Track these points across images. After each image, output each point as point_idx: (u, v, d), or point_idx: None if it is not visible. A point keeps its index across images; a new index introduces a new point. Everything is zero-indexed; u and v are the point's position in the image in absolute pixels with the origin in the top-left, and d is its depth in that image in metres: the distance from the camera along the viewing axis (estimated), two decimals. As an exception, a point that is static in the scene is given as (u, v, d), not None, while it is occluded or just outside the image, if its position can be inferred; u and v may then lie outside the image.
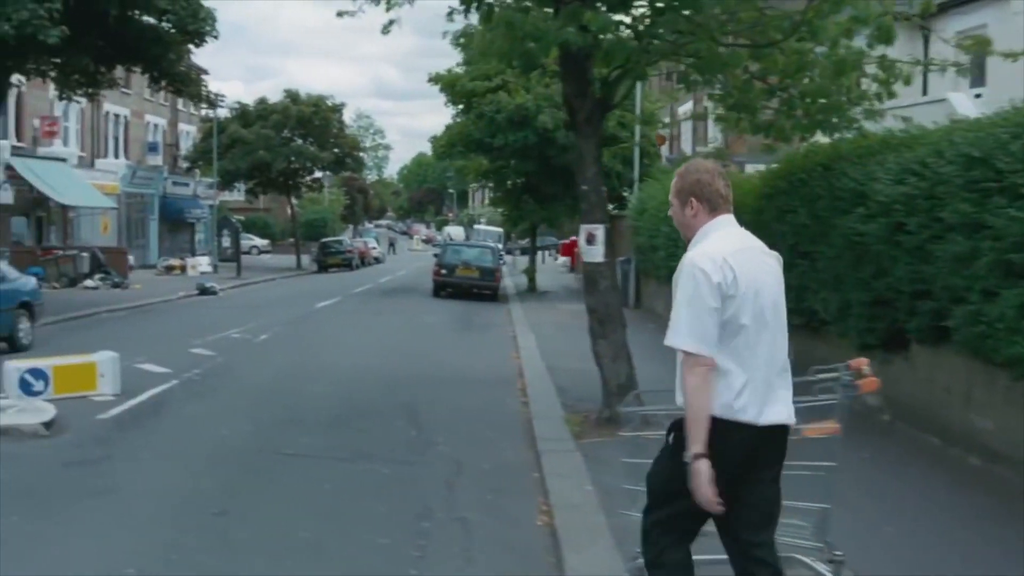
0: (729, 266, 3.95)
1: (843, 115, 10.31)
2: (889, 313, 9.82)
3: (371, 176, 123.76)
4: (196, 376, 13.84)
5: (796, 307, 12.24)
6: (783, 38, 9.45)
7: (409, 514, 7.35)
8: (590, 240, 10.59)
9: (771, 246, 4.46)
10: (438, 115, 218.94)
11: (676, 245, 20.79)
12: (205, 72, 27.05)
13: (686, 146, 42.29)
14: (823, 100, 10.34)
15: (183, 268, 43.83)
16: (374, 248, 63.46)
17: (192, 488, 7.94)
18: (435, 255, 38.08)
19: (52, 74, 25.30)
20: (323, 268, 52.32)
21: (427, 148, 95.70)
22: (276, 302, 29.24)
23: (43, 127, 39.36)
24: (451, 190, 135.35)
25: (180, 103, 56.32)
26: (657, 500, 4.25)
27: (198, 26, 23.07)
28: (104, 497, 7.56)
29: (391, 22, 11.90)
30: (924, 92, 20.02)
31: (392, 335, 20.89)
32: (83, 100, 30.33)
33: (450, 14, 11.03)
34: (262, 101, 51.02)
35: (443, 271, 31.92)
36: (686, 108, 38.51)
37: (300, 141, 49.70)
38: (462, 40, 32.25)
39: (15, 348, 16.89)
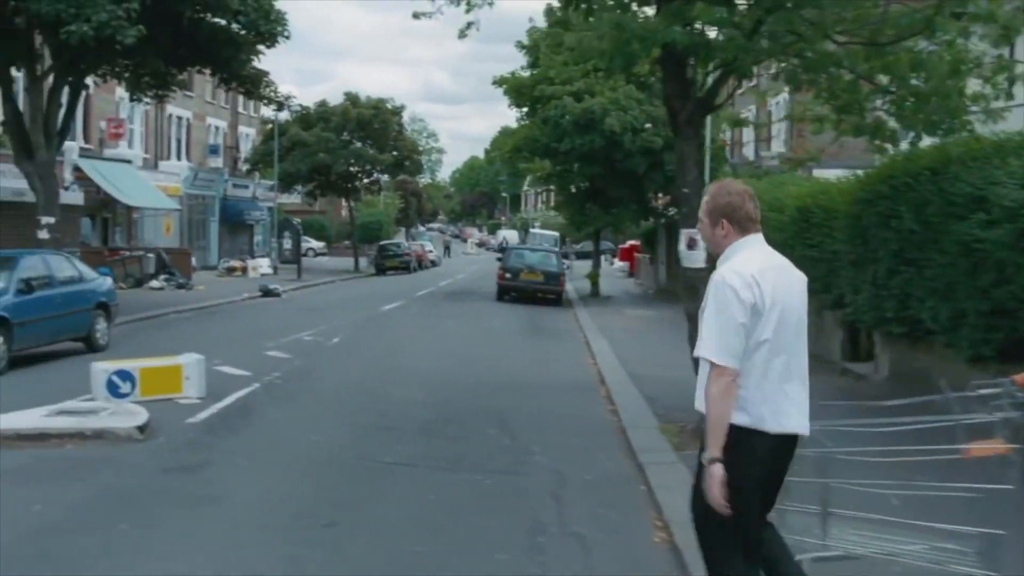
0: (756, 283, 4.14)
1: (958, 116, 9.88)
2: (1009, 323, 9.37)
3: (423, 179, 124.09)
4: (277, 379, 13.69)
5: (898, 315, 11.84)
6: (901, 37, 9.07)
7: (522, 528, 7.08)
8: (691, 245, 10.26)
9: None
10: (487, 119, 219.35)
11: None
12: (265, 74, 26.83)
13: (748, 151, 41.66)
14: (935, 100, 9.93)
15: (244, 270, 44.03)
16: (430, 251, 63.41)
17: (296, 497, 7.73)
18: (498, 259, 37.83)
19: (125, 75, 25.40)
20: (381, 271, 52.36)
21: (478, 151, 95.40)
22: (340, 305, 29.17)
23: (109, 129, 39.74)
24: (504, 194, 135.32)
25: (240, 106, 56.75)
26: (712, 519, 4.28)
27: (270, 27, 23.02)
28: (210, 506, 7.36)
29: (469, 24, 11.72)
30: (1009, 96, 19.40)
31: (464, 339, 20.68)
32: (152, 102, 30.49)
33: (549, 11, 10.77)
34: (322, 104, 51.16)
35: (507, 275, 31.64)
36: (752, 112, 37.99)
37: (359, 144, 49.71)
38: (528, 44, 31.97)
39: (92, 348, 16.90)
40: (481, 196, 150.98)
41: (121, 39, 18.78)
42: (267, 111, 44.41)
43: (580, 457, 9.57)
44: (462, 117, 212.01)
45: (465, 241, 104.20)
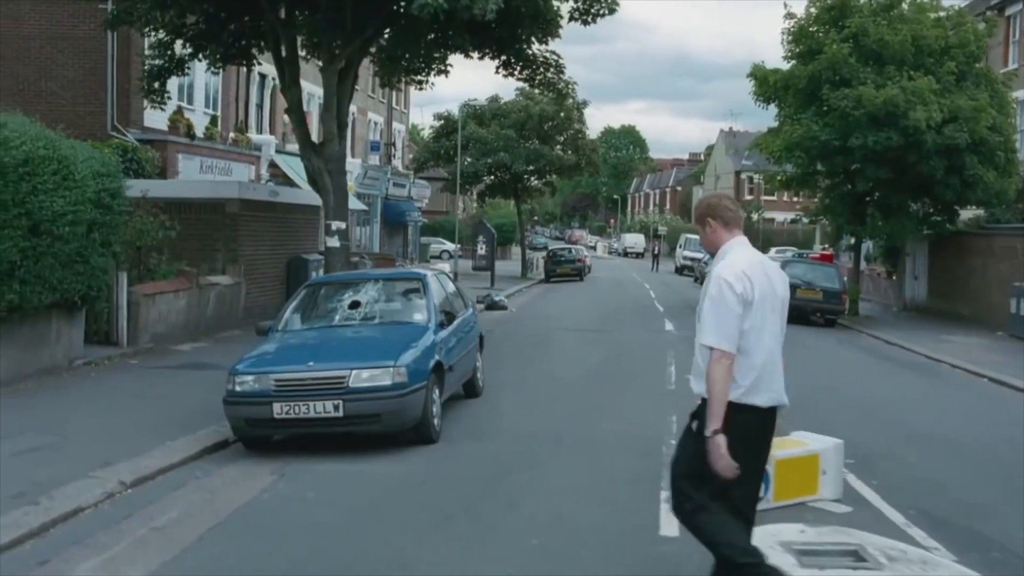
0: (747, 277, 5.01)
1: None
2: None
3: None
4: (848, 461, 10.03)
5: None
6: None
7: None
8: None
9: None
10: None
11: None
12: (559, 58, 22.93)
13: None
14: None
15: (425, 275, 40.73)
16: (586, 256, 59.35)
17: None
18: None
19: (396, 56, 22.09)
20: (549, 277, 48.92)
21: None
22: (600, 325, 25.61)
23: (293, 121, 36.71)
24: (615, 196, 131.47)
25: (394, 101, 53.54)
26: (691, 479, 5.09)
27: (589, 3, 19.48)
28: None
29: None
30: None
31: (859, 379, 17.09)
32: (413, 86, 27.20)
33: None
34: (494, 99, 47.88)
35: (781, 292, 27.69)
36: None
37: (537, 142, 46.17)
38: (794, 32, 28.16)
39: (473, 394, 13.43)
40: (582, 198, 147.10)
41: (480, 12, 15.39)
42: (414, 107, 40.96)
43: None
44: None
45: (594, 247, 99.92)
